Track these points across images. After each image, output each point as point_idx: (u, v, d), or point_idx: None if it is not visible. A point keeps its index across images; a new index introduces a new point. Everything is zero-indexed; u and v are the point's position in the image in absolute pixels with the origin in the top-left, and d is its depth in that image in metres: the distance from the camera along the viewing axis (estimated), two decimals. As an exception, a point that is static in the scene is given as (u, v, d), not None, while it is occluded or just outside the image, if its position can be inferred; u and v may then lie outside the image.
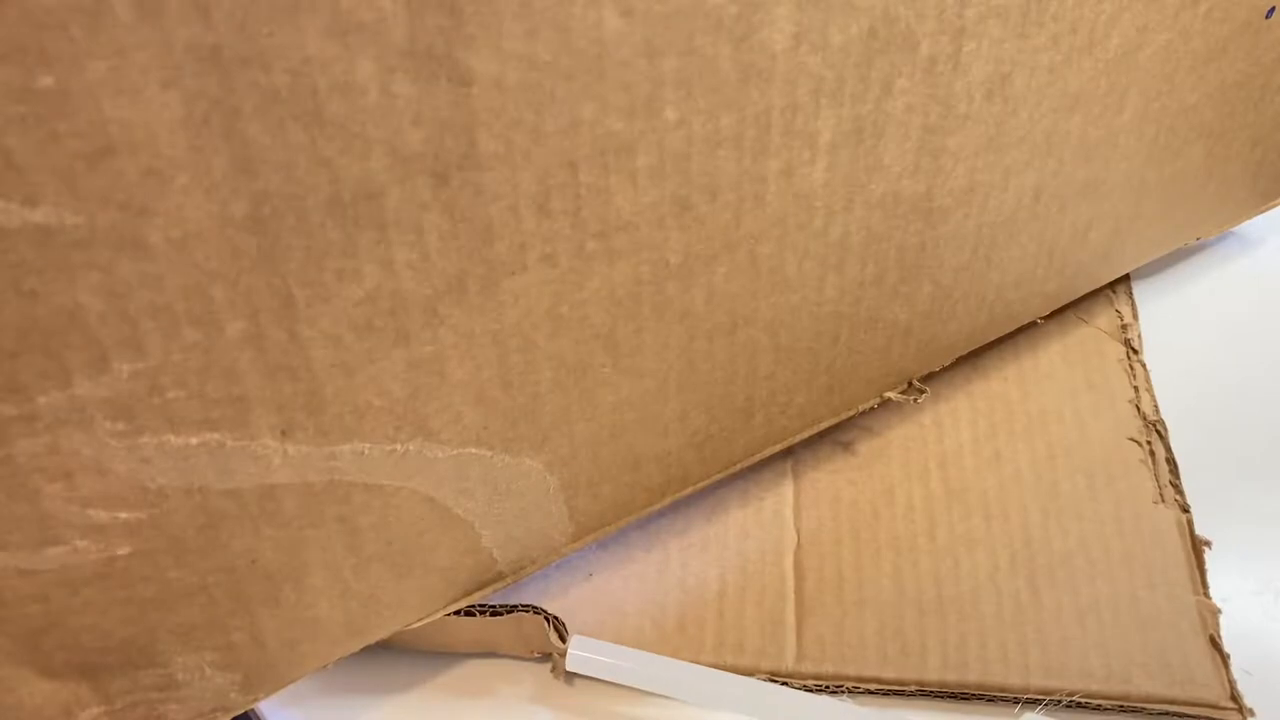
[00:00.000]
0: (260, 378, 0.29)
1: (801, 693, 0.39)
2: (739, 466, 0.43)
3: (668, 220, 0.34)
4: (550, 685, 0.42)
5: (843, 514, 0.45)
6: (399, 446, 0.33)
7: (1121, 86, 0.42)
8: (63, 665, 0.32)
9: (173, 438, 0.29)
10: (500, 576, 0.40)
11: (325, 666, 0.37)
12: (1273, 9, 0.44)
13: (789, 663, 0.41)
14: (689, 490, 0.42)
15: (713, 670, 0.39)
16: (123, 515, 0.30)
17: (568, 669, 0.40)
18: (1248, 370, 0.51)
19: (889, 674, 0.41)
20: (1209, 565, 0.43)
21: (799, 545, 0.44)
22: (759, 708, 0.38)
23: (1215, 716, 0.39)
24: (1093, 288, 0.51)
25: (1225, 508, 0.46)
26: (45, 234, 0.24)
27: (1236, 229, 0.58)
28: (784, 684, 0.40)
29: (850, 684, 0.41)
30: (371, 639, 0.38)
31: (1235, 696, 0.39)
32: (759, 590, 0.43)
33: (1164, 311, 0.54)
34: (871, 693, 0.41)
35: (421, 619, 0.39)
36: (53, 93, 0.23)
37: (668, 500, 0.42)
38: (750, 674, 0.40)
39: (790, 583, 0.43)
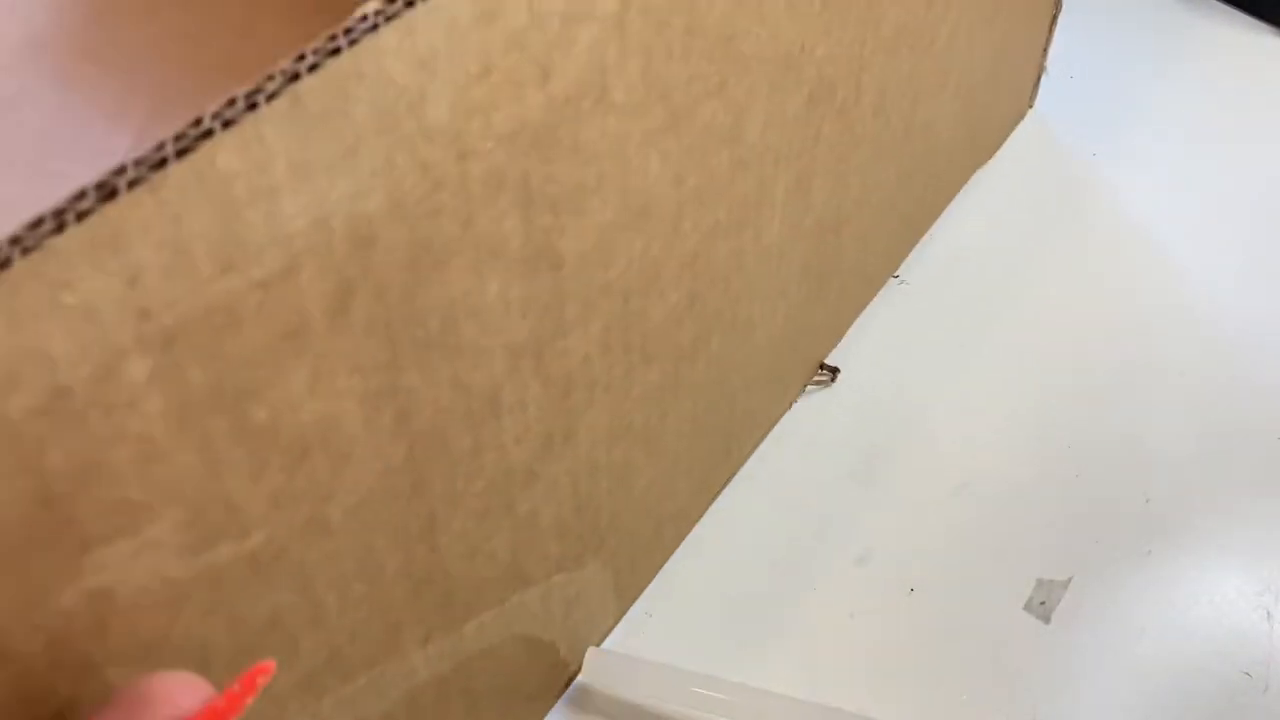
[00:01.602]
0: (408, 598, 0.29)
1: (814, 704, 0.39)
2: (719, 492, 0.46)
3: (683, 316, 0.35)
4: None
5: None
6: (506, 604, 0.34)
7: (945, 69, 0.47)
8: None
9: (346, 688, 0.28)
10: (570, 677, 0.41)
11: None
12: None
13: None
14: (690, 529, 0.45)
15: (727, 682, 0.40)
16: (307, 780, 0.29)
17: (583, 681, 0.40)
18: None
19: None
20: (1207, 568, 0.44)
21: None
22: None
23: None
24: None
25: (1225, 509, 0.46)
26: (254, 557, 0.23)
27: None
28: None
29: None
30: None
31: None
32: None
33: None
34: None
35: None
36: (264, 424, 0.22)
37: (677, 546, 0.44)
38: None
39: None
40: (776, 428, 0.48)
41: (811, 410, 0.49)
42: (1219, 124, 0.63)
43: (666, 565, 0.44)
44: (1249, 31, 0.67)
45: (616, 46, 0.26)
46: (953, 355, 0.51)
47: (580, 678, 0.40)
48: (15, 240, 0.16)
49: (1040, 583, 0.44)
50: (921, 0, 0.41)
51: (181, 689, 0.20)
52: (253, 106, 0.18)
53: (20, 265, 0.16)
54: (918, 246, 0.56)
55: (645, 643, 0.41)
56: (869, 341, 0.51)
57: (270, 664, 0.22)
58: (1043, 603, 0.43)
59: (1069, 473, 0.47)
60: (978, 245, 0.56)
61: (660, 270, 0.33)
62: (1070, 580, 0.44)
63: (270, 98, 0.18)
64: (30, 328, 0.16)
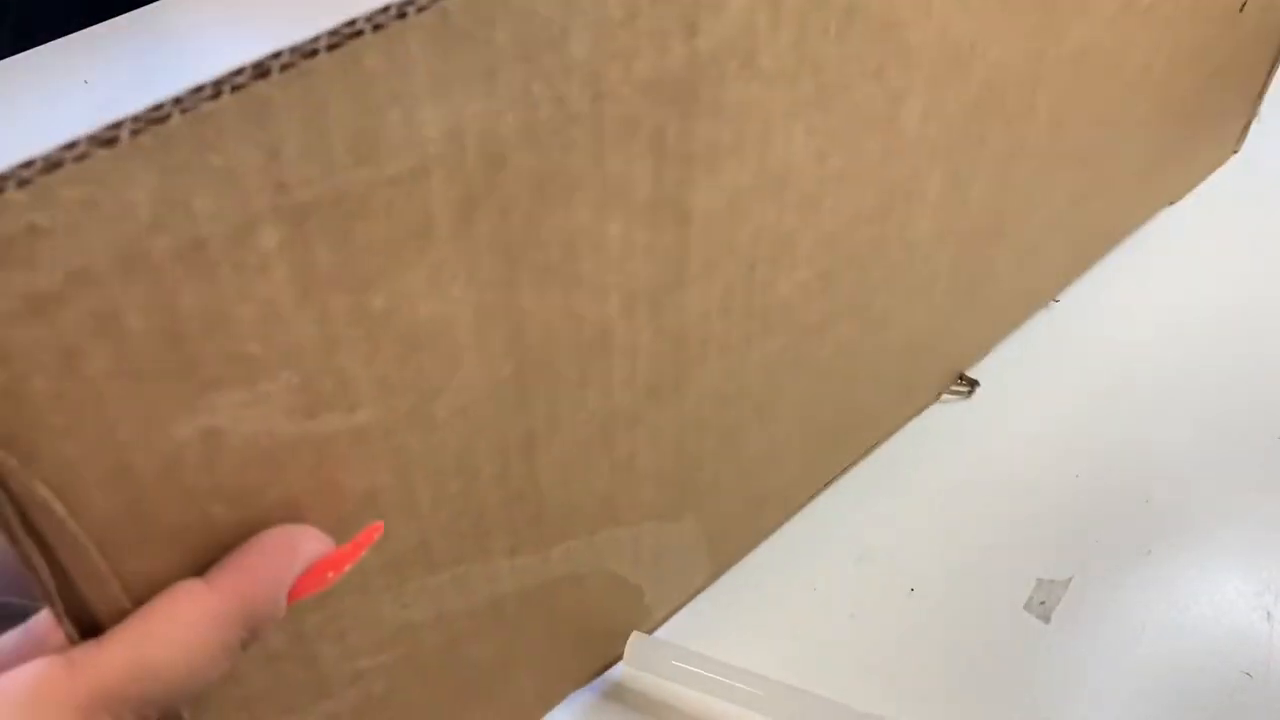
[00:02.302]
0: (500, 508, 0.31)
1: (850, 708, 0.38)
2: (831, 481, 0.47)
3: (814, 292, 0.36)
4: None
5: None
6: (597, 536, 0.35)
7: (1135, 98, 0.46)
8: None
9: (430, 579, 0.30)
10: (653, 627, 0.42)
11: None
12: (1244, 3, 0.49)
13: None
14: (796, 512, 0.46)
15: (766, 678, 0.39)
16: (382, 658, 0.31)
17: (625, 663, 0.41)
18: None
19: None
20: (1207, 568, 0.44)
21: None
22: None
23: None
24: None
25: (1225, 509, 0.46)
26: (359, 432, 0.25)
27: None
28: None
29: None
30: (552, 708, 0.40)
31: None
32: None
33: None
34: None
35: (589, 680, 0.41)
36: (381, 311, 0.24)
37: (783, 523, 0.45)
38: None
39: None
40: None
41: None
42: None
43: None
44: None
45: (768, 14, 0.27)
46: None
47: (622, 663, 0.41)
48: (177, 100, 0.18)
49: (1040, 583, 0.44)
50: (1108, 23, 0.40)
51: (308, 539, 0.23)
52: (402, 15, 0.20)
53: (177, 122, 0.18)
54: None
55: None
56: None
57: (381, 525, 0.24)
58: (1043, 603, 0.43)
59: (1069, 473, 0.47)
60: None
61: (793, 244, 0.33)
62: (1070, 580, 0.44)
63: (420, 10, 0.20)
64: (178, 180, 0.19)
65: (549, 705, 0.40)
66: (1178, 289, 0.55)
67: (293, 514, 0.25)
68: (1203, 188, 0.60)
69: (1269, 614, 0.43)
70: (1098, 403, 0.50)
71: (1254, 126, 0.60)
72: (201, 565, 0.24)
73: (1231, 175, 0.61)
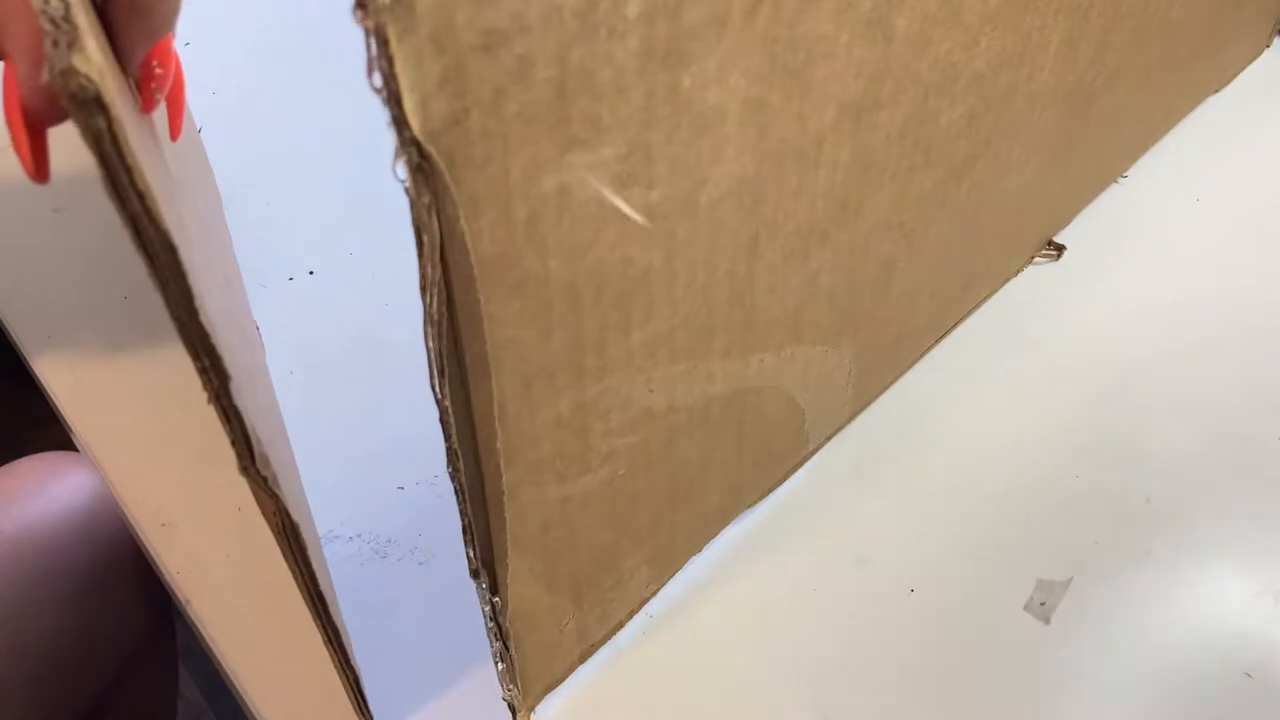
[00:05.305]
0: (725, 307, 0.35)
1: None
2: (953, 327, 0.52)
3: (961, 130, 0.41)
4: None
5: None
6: (783, 352, 0.40)
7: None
8: (563, 581, 0.37)
9: (672, 367, 0.35)
10: (806, 457, 0.47)
11: (700, 551, 0.44)
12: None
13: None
14: (919, 357, 0.50)
15: None
16: (629, 439, 0.35)
17: None
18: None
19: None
20: (1207, 568, 0.44)
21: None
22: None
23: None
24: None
25: (1225, 509, 0.46)
26: (650, 209, 0.30)
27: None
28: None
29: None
30: (727, 523, 0.45)
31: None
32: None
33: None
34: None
35: (757, 500, 0.45)
36: (686, 90, 0.28)
37: (907, 369, 0.50)
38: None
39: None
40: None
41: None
42: (1222, 126, 0.64)
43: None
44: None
45: None
46: (952, 354, 0.52)
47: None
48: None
49: (1040, 583, 0.44)
50: None
51: None
52: None
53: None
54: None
55: (648, 642, 0.43)
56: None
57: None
58: (1043, 603, 0.44)
59: (1069, 473, 0.48)
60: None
61: (955, 77, 0.38)
62: (1070, 580, 0.44)
63: None
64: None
65: (725, 520, 0.44)
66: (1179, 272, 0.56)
67: (594, 283, 0.30)
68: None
69: (1269, 614, 0.43)
70: (1098, 403, 0.50)
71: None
72: (534, 320, 0.28)
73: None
